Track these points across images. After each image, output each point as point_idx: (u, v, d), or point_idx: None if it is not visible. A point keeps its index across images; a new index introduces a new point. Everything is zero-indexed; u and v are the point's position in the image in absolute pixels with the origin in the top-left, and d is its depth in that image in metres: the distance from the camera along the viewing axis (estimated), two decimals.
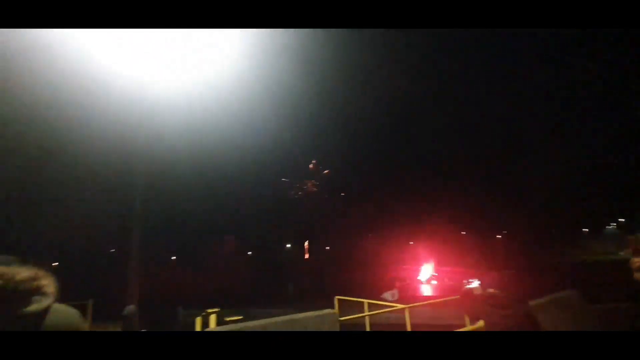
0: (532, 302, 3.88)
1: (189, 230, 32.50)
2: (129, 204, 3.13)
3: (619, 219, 36.08)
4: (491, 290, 3.09)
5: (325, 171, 29.28)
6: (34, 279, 0.96)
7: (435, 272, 23.98)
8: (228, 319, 7.01)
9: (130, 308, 2.74)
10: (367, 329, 6.43)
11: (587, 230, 40.74)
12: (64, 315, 0.99)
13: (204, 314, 7.29)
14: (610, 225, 39.09)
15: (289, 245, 39.76)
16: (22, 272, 0.95)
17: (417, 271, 24.76)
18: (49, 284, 0.99)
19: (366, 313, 6.49)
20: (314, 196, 30.35)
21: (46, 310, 0.94)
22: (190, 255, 32.47)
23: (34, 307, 0.92)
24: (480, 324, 3.45)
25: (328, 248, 38.36)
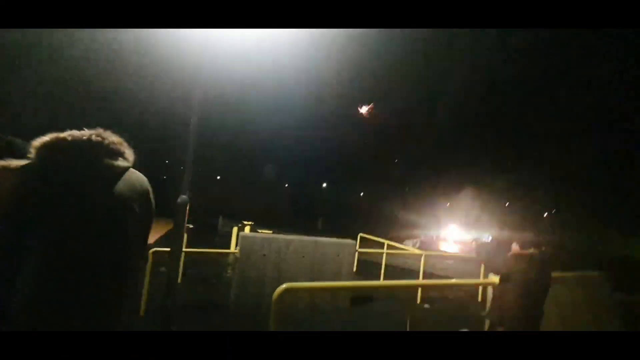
0: (555, 274, 3.91)
1: (238, 156, 34.49)
2: (188, 121, 3.39)
3: None
4: (531, 250, 3.09)
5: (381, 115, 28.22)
6: (121, 144, 1.26)
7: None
8: (260, 230, 7.90)
9: (184, 198, 3.23)
10: (383, 265, 6.93)
11: None
12: (138, 177, 1.25)
13: (240, 225, 8.25)
14: None
15: (325, 185, 41.08)
16: (113, 136, 1.24)
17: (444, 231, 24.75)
18: (130, 152, 1.28)
19: (385, 250, 6.93)
20: (357, 141, 30.11)
21: (126, 169, 1.24)
22: (234, 177, 34.89)
23: (119, 162, 1.22)
24: (493, 279, 3.51)
25: (362, 194, 39.01)
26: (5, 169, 1.17)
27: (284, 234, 6.29)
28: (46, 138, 1.12)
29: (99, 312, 1.08)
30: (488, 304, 4.04)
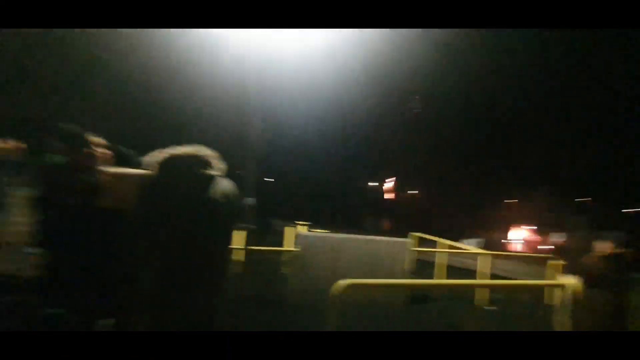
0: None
1: (283, 154, 35.45)
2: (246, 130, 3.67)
3: None
4: (622, 249, 2.84)
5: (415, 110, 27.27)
6: (213, 157, 1.48)
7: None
8: (316, 230, 8.13)
9: (250, 199, 3.56)
10: (444, 266, 6.71)
11: None
12: (226, 184, 1.46)
13: (294, 225, 8.54)
14: None
15: (384, 184, 40.44)
16: (207, 150, 1.48)
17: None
18: (221, 163, 1.51)
19: (443, 250, 6.72)
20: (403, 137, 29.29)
21: (213, 177, 1.46)
22: (282, 177, 36.01)
23: (208, 171, 1.44)
24: (572, 281, 3.24)
25: (416, 192, 37.75)
26: (128, 175, 1.49)
27: (339, 233, 6.44)
28: (162, 155, 1.41)
29: (204, 304, 1.30)
30: (561, 307, 3.74)
